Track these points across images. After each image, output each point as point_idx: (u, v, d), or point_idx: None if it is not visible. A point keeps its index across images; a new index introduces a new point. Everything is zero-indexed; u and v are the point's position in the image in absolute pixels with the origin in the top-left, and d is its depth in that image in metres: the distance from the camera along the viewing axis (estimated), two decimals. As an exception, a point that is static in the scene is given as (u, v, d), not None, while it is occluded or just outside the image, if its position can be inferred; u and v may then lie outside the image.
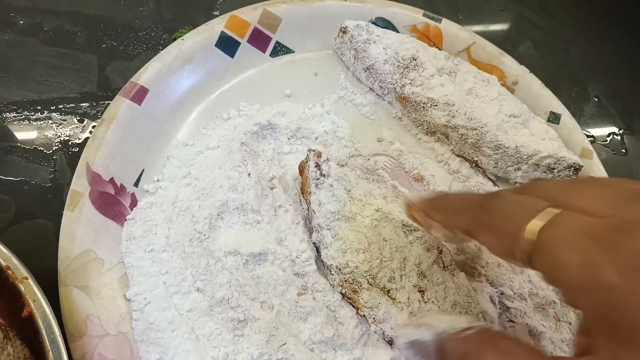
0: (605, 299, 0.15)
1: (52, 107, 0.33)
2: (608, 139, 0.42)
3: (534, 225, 0.17)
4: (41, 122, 0.33)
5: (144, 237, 0.29)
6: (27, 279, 0.24)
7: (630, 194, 0.17)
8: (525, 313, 0.30)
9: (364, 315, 0.27)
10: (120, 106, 0.31)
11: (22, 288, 0.24)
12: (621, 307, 0.14)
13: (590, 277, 0.15)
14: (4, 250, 0.24)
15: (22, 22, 0.36)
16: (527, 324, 0.30)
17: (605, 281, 0.15)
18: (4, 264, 0.24)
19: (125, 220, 0.30)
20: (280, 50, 0.37)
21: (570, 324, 0.31)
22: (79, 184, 0.29)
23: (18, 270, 0.24)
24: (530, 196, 0.19)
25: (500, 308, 0.30)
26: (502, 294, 0.30)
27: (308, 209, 0.30)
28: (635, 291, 0.14)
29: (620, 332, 0.15)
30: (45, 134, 0.33)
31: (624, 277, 0.14)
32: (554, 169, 0.33)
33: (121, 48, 0.36)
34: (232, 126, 0.34)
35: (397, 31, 0.38)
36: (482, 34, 0.39)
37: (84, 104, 0.34)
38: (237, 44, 0.36)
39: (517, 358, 0.17)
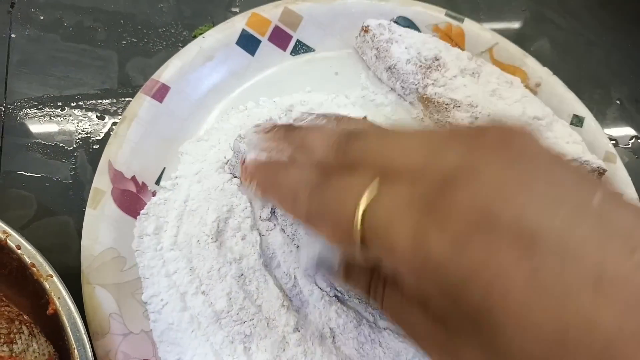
0: (445, 279, 0.12)
1: (72, 104, 0.33)
2: (630, 142, 0.41)
3: (358, 212, 0.14)
4: (62, 119, 0.33)
5: (156, 233, 0.29)
6: (51, 276, 0.24)
7: (438, 138, 0.15)
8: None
9: None
10: (141, 103, 0.31)
11: (47, 285, 0.24)
12: (465, 287, 0.11)
13: (424, 257, 0.12)
14: (29, 247, 0.24)
15: (42, 17, 0.36)
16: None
17: (436, 259, 0.12)
18: (28, 261, 0.24)
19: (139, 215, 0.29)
20: (300, 48, 0.37)
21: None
22: (101, 181, 0.29)
23: (43, 267, 0.24)
24: (352, 166, 0.16)
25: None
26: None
27: None
28: (468, 263, 0.11)
29: (473, 324, 0.11)
30: (66, 130, 0.32)
31: (455, 246, 0.11)
32: (577, 172, 0.33)
33: (141, 45, 0.36)
34: (245, 116, 0.33)
35: (419, 30, 0.37)
36: (504, 34, 0.39)
37: (104, 100, 0.34)
38: (258, 42, 0.35)
39: None
